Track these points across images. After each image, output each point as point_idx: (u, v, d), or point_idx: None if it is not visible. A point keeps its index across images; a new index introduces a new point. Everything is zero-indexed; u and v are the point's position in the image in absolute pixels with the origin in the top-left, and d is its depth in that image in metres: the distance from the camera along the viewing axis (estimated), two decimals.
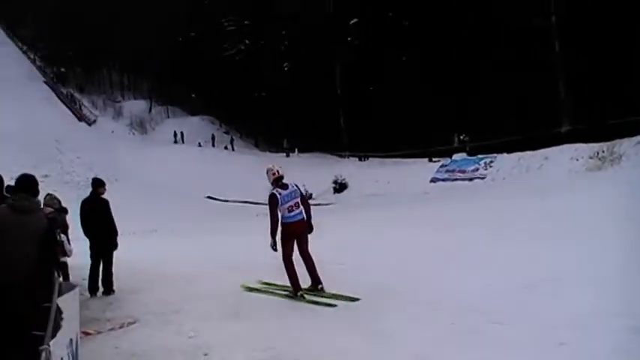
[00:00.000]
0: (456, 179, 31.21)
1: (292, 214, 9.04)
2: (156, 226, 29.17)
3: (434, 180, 32.23)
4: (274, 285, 9.85)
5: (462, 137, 37.21)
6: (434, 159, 36.16)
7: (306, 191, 36.58)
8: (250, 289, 9.96)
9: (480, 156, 31.93)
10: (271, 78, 55.05)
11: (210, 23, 66.54)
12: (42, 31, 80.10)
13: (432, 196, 27.83)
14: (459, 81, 38.23)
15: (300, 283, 9.09)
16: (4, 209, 5.39)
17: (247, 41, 63.85)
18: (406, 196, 28.73)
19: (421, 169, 34.39)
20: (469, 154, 33.64)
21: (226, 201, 42.01)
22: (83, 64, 78.33)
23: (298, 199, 9.17)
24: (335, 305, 8.41)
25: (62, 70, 76.10)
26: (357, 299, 8.52)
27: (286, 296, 9.20)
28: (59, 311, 4.56)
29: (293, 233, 9.05)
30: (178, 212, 36.45)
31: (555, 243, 10.27)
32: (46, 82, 70.55)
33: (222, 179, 44.72)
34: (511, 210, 15.69)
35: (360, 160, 45.33)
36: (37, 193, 5.83)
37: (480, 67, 37.66)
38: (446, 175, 32.11)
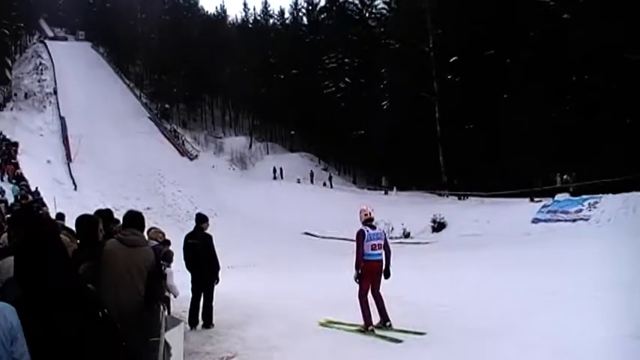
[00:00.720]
0: (559, 220, 30.27)
1: (374, 252, 9.55)
2: (254, 261, 29.66)
3: (535, 221, 31.37)
4: (342, 323, 10.14)
5: (564, 177, 36.22)
6: (535, 199, 35.17)
7: (404, 229, 36.66)
8: (324, 325, 10.25)
9: (583, 196, 30.86)
10: (370, 115, 55.19)
11: (311, 61, 67.64)
12: (148, 69, 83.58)
13: (533, 237, 27.05)
14: (562, 119, 37.41)
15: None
16: (114, 243, 5.62)
17: (347, 79, 64.54)
18: (506, 237, 28.07)
19: (522, 209, 33.51)
20: (572, 195, 32.63)
21: (323, 237, 42.14)
22: (186, 100, 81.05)
23: (382, 242, 9.68)
24: (401, 341, 8.68)
25: (166, 106, 78.94)
26: (424, 333, 8.80)
27: (358, 331, 9.55)
28: (167, 346, 4.68)
29: (370, 270, 9.51)
30: (276, 247, 36.72)
31: None
32: (150, 118, 73.18)
33: (320, 215, 44.87)
34: (616, 254, 15.04)
35: (460, 199, 44.57)
36: (143, 227, 6.10)
37: (582, 105, 36.79)
38: (548, 216, 31.20)
